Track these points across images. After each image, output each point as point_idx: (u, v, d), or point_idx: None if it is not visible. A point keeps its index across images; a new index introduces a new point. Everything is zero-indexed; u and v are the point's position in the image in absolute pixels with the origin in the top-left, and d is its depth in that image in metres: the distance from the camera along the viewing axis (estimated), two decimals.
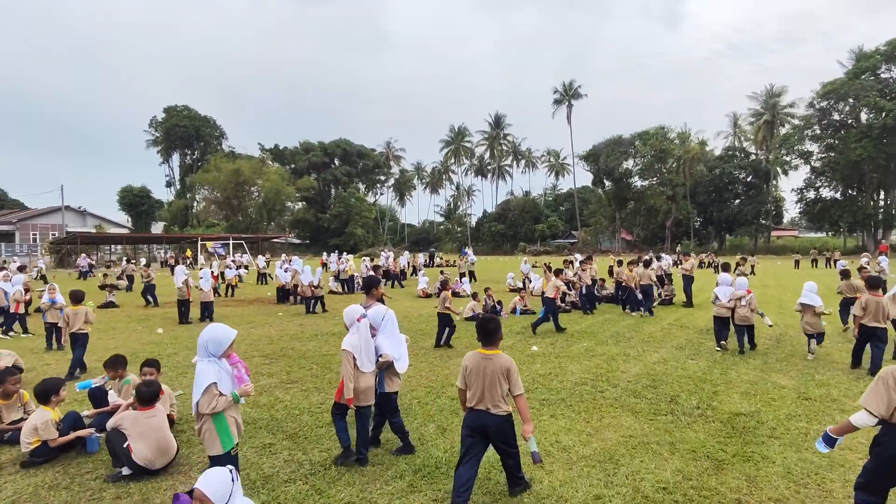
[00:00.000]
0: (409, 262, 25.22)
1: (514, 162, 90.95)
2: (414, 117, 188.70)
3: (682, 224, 67.04)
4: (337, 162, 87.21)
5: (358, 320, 4.47)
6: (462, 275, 21.12)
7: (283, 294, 16.94)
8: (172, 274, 15.38)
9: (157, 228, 75.95)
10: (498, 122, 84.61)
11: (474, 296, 13.70)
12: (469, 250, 30.44)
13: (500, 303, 13.71)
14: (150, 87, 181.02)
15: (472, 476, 3.62)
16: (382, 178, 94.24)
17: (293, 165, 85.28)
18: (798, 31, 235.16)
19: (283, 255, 30.68)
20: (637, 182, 67.96)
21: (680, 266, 15.23)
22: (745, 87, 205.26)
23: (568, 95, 72.02)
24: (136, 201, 74.49)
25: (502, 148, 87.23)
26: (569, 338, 10.22)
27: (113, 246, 59.27)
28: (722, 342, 8.97)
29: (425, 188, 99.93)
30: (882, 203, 54.21)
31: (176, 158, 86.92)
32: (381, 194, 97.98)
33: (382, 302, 5.48)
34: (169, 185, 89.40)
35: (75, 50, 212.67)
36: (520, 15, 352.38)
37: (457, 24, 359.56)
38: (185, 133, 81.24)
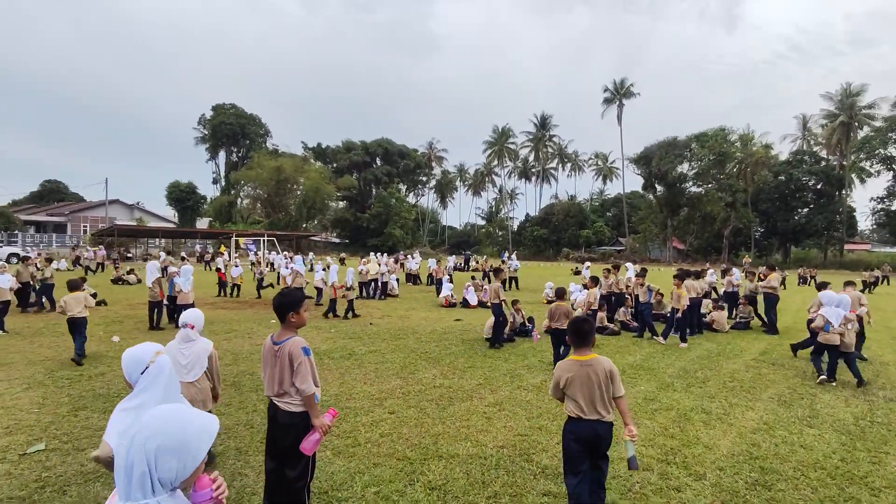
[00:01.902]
0: (434, 268, 22.70)
1: (560, 165, 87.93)
2: (459, 120, 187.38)
3: (740, 234, 61.93)
4: (378, 162, 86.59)
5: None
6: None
7: None
8: (207, 268, 13.73)
9: (203, 224, 77.19)
10: (544, 123, 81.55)
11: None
12: (513, 256, 27.92)
13: (531, 319, 11.24)
14: (203, 87, 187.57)
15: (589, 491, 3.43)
16: (424, 178, 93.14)
17: (335, 164, 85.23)
18: (870, 32, 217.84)
19: (284, 253, 29.13)
20: (691, 187, 63.22)
21: (761, 282, 12.26)
22: (810, 91, 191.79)
23: (619, 94, 68.07)
24: (182, 196, 75.95)
25: (548, 150, 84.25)
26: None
27: (156, 240, 60.29)
28: (823, 377, 7.40)
29: (467, 190, 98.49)
30: None
31: (222, 156, 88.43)
32: (422, 195, 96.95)
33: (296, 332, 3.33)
34: (215, 181, 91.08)
35: (137, 49, 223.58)
36: (571, 16, 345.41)
37: (506, 25, 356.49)
38: (231, 131, 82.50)
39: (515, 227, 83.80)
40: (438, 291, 17.47)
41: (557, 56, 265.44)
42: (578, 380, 3.39)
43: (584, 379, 3.38)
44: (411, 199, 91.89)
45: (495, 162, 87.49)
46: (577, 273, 33.17)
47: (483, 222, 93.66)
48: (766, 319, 11.86)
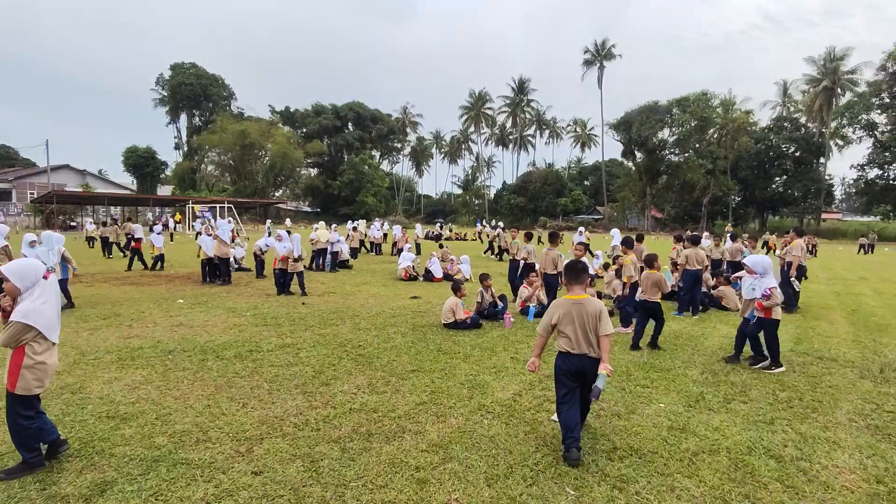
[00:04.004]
0: (399, 236, 20.09)
1: (538, 132, 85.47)
2: (434, 87, 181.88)
3: (718, 202, 60.86)
4: (350, 126, 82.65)
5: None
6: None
7: (212, 269, 12.48)
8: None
9: (165, 191, 72.77)
10: (521, 88, 78.43)
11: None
12: (499, 223, 25.55)
13: (502, 298, 8.97)
14: (165, 47, 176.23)
15: (579, 415, 3.70)
16: (398, 145, 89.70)
17: (304, 129, 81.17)
18: (842, 4, 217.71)
19: (205, 217, 26.26)
20: (671, 155, 61.47)
21: (782, 250, 10.19)
22: (784, 62, 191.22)
23: (600, 56, 65.27)
24: (140, 163, 71.01)
25: (525, 116, 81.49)
26: (622, 382, 5.48)
27: (112, 208, 56.06)
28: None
29: (443, 158, 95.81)
30: None
31: (184, 119, 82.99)
32: (397, 162, 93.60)
33: None
34: (177, 147, 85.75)
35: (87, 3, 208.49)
36: None
37: None
38: (191, 92, 77.18)
39: (492, 196, 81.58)
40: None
41: (535, 24, 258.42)
42: (569, 317, 3.67)
43: (576, 316, 3.65)
44: (385, 166, 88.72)
45: (472, 128, 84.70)
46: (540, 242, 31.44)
47: (459, 191, 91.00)
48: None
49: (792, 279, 9.23)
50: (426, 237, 27.65)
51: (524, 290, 9.44)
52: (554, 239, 9.14)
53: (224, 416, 4.26)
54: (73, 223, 45.64)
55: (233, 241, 17.76)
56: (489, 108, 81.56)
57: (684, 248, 12.43)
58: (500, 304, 8.74)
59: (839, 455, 3.75)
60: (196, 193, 60.86)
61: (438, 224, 36.10)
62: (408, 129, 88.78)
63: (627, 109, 60.24)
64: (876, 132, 50.89)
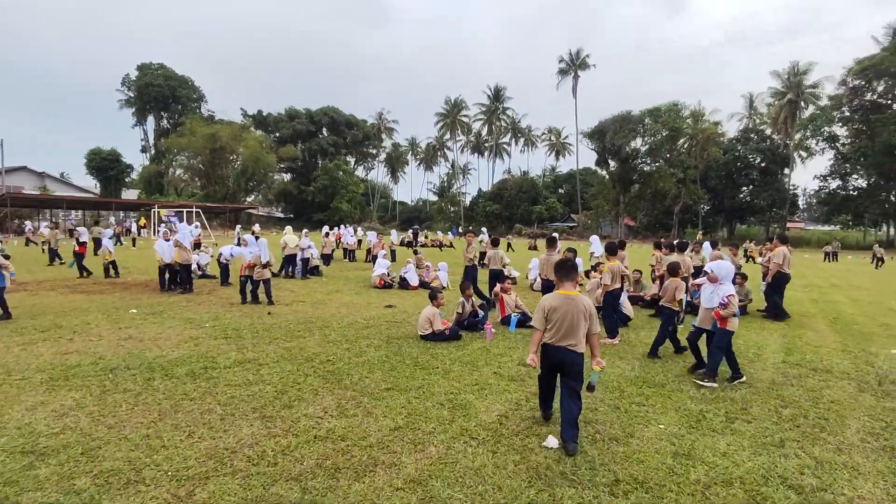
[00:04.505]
0: (373, 242, 19.47)
1: (513, 139, 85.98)
2: (410, 94, 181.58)
3: (689, 210, 62.09)
4: (324, 132, 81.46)
5: None
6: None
7: (172, 276, 11.67)
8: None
9: (131, 195, 70.23)
10: (497, 95, 78.81)
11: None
12: (483, 230, 25.06)
13: (483, 306, 8.49)
14: (133, 47, 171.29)
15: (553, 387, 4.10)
16: (373, 151, 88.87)
17: (277, 134, 79.78)
18: (803, 22, 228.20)
19: (171, 222, 25.24)
20: (644, 164, 62.48)
21: (764, 258, 10.03)
22: (747, 77, 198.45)
23: (575, 66, 66.01)
24: (104, 165, 68.35)
25: (501, 124, 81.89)
26: (615, 399, 5.07)
27: (74, 212, 53.70)
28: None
29: (419, 164, 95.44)
30: None
31: (151, 121, 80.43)
32: (372, 168, 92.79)
33: None
34: (144, 150, 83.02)
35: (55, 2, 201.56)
36: None
37: (459, 3, 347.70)
38: (159, 94, 74.92)
39: (468, 203, 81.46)
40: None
41: (511, 33, 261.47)
42: (559, 311, 3.83)
43: (566, 311, 3.82)
44: (360, 172, 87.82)
45: (448, 135, 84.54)
46: (533, 248, 31.13)
47: (435, 197, 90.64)
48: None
49: (764, 284, 9.03)
50: (401, 244, 27.05)
51: (507, 298, 8.96)
52: (552, 244, 8.99)
53: (165, 448, 3.65)
54: (27, 227, 43.42)
55: (198, 246, 16.90)
56: (465, 116, 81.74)
57: (665, 254, 12.26)
58: (481, 314, 8.27)
59: (862, 484, 3.38)
60: (164, 198, 58.83)
61: (413, 230, 35.44)
62: (383, 135, 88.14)
63: (601, 119, 61.03)
64: (837, 144, 52.71)
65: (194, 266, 13.42)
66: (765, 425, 4.35)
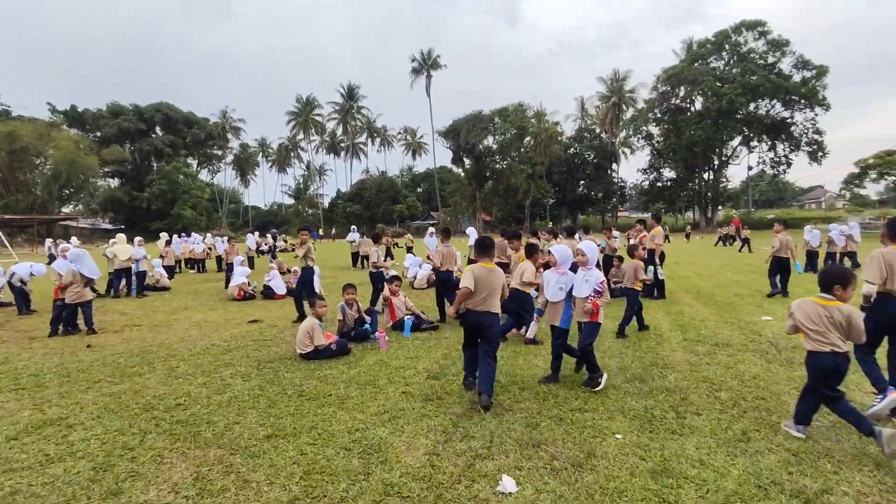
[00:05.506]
0: (225, 249, 16.90)
1: (370, 139, 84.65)
2: (258, 95, 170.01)
3: (538, 204, 66.99)
4: (158, 130, 71.69)
5: None
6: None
7: None
8: None
9: None
10: (351, 94, 76.86)
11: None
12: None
13: (370, 312, 7.34)
14: None
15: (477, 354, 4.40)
16: (219, 152, 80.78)
17: (98, 133, 68.14)
18: (615, 39, 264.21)
19: None
20: (496, 161, 65.87)
21: (636, 240, 10.34)
22: (578, 84, 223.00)
23: (427, 65, 66.97)
24: None
25: (356, 123, 79.95)
26: (551, 408, 4.34)
27: None
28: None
29: (271, 167, 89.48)
30: (712, 183, 58.74)
31: None
32: (219, 171, 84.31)
33: None
34: None
35: None
36: None
37: (304, 4, 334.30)
38: None
39: (327, 205, 78.31)
40: (228, 281, 12.30)
41: (360, 38, 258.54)
42: (484, 280, 4.34)
43: (487, 280, 4.36)
44: (205, 175, 79.23)
45: (301, 135, 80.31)
46: (397, 246, 30.42)
47: (291, 200, 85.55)
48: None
49: (656, 266, 9.32)
50: (260, 251, 24.28)
51: (397, 301, 7.89)
52: (447, 235, 8.74)
53: None
54: None
55: None
56: (318, 115, 78.33)
57: (546, 239, 12.27)
58: (368, 320, 7.10)
59: (850, 475, 3.02)
60: None
61: (272, 234, 32.43)
62: (229, 135, 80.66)
63: (455, 118, 62.72)
64: (653, 141, 60.83)
65: None
66: (715, 416, 3.94)
